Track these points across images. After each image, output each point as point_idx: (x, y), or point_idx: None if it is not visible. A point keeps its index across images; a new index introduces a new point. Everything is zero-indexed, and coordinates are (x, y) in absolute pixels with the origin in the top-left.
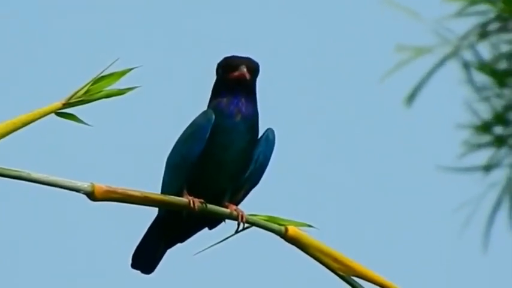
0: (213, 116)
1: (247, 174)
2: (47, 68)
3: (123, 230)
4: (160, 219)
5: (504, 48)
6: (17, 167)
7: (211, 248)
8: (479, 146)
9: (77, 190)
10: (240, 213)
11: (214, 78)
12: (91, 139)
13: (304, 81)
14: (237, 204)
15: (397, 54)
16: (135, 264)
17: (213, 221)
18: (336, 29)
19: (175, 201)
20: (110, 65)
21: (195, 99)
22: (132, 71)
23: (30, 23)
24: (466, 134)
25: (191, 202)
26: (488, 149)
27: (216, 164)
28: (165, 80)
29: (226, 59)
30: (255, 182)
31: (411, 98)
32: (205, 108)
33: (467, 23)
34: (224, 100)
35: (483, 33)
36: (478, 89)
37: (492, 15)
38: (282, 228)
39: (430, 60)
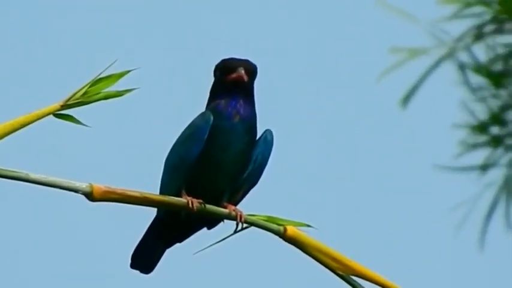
0: (212, 117)
1: (245, 175)
2: (45, 69)
3: (122, 231)
4: (159, 220)
5: (500, 50)
6: (16, 168)
7: (210, 248)
8: (476, 146)
9: (76, 191)
10: (239, 213)
11: (212, 80)
12: (89, 140)
13: (301, 82)
14: (235, 204)
15: (392, 55)
16: (134, 264)
17: (211, 221)
18: (332, 31)
19: (174, 202)
20: (108, 67)
21: (193, 100)
22: (130, 72)
23: (29, 25)
24: (463, 134)
25: (190, 202)
26: (485, 149)
27: (215, 165)
28: (163, 82)
29: (224, 61)
30: (253, 183)
31: (407, 99)
32: (203, 109)
33: (463, 25)
34: (222, 102)
35: (479, 35)
36: (474, 90)
37: (488, 17)
38: (281, 228)
39: (425, 62)
